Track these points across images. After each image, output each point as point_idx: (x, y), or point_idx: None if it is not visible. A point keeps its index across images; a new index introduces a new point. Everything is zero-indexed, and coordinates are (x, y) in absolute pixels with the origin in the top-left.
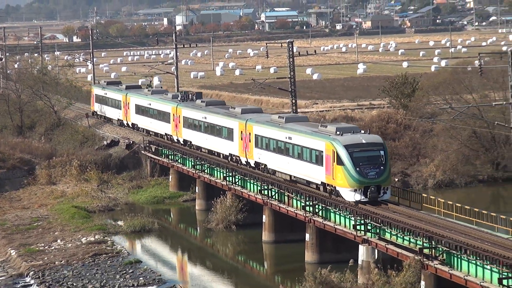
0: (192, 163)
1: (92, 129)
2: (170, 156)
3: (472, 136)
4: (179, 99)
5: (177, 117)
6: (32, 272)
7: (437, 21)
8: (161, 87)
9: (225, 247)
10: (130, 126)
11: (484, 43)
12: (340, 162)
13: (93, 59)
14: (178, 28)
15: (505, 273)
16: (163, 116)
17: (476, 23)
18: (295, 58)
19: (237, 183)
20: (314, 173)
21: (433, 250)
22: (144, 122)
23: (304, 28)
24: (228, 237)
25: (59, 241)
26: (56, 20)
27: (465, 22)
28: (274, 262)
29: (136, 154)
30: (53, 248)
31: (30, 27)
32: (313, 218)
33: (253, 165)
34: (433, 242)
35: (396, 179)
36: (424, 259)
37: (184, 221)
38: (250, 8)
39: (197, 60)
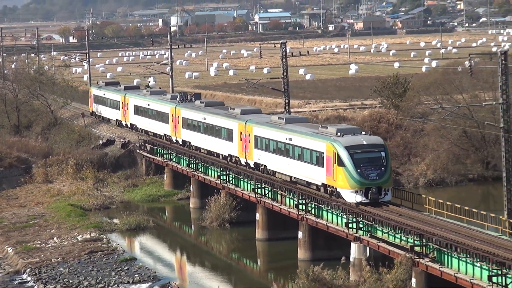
0: (187, 162)
1: (88, 129)
2: (165, 155)
3: (463, 135)
4: (178, 99)
5: (176, 117)
6: (29, 269)
7: (428, 22)
8: (160, 88)
9: (219, 244)
10: (129, 126)
11: (474, 44)
12: (341, 163)
13: (89, 60)
14: (173, 29)
15: (495, 271)
16: (162, 116)
17: (467, 25)
18: (288, 58)
19: (231, 181)
20: (314, 174)
21: (424, 248)
22: (143, 123)
23: (297, 29)
24: (222, 235)
25: (55, 238)
26: (52, 21)
27: (456, 24)
28: (267, 260)
29: (131, 153)
30: (49, 245)
31: (27, 27)
32: (306, 216)
33: (253, 166)
34: (424, 240)
35: None
36: (415, 257)
37: (178, 219)
38: (244, 9)
39: (191, 61)
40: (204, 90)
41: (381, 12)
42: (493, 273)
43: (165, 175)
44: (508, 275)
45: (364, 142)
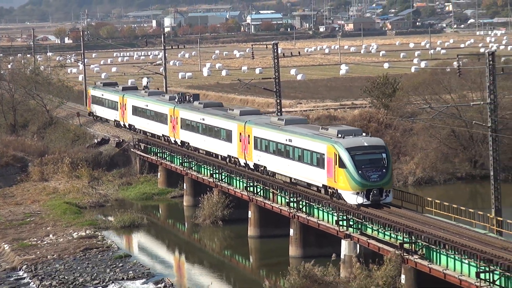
0: (180, 161)
1: (83, 128)
2: (158, 154)
3: (451, 135)
4: (176, 100)
5: (175, 118)
6: (25, 266)
7: (417, 23)
8: (158, 89)
9: (212, 242)
10: (127, 127)
11: (462, 45)
12: (342, 165)
13: (84, 60)
14: (166, 30)
15: (483, 267)
16: (160, 117)
17: (455, 26)
18: (279, 59)
19: (223, 180)
20: (315, 176)
21: (413, 245)
22: (141, 124)
23: (289, 30)
24: (215, 232)
25: (51, 236)
26: (48, 22)
27: (444, 25)
28: (259, 257)
29: (125, 152)
30: (45, 242)
31: (23, 28)
32: (297, 214)
33: (252, 167)
34: (413, 237)
35: None
36: (405, 254)
37: (172, 216)
38: (236, 11)
39: (185, 61)
40: (197, 90)
41: (371, 13)
42: (481, 270)
43: (159, 174)
44: (495, 272)
45: (365, 144)
